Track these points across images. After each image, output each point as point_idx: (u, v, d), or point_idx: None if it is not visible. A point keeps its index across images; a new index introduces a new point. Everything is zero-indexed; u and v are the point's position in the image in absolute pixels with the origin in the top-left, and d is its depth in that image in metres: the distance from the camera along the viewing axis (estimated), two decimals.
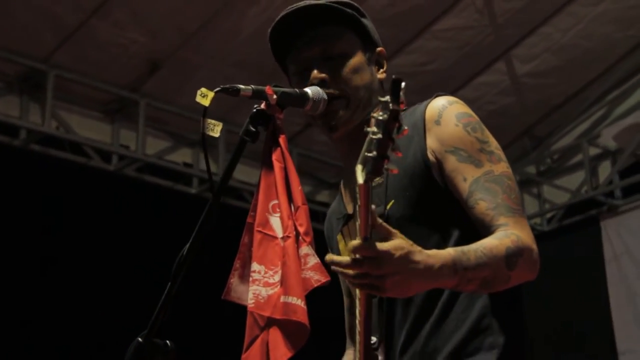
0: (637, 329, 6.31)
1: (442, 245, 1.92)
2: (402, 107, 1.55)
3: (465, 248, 1.79)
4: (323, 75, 2.08)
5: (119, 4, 5.53)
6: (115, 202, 6.06)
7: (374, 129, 1.56)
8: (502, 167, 1.97)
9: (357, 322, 1.76)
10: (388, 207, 1.99)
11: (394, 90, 1.55)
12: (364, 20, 2.17)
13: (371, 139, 1.57)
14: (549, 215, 7.05)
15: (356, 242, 1.63)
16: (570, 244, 6.78)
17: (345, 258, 1.67)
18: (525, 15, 6.03)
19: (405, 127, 1.58)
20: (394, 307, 1.98)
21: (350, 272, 1.66)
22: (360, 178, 1.58)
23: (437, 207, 1.98)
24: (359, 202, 1.61)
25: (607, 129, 6.57)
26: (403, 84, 1.56)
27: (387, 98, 1.56)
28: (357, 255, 1.64)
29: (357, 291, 1.76)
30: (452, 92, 7.07)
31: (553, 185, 7.06)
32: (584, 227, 6.80)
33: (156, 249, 5.96)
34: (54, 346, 5.62)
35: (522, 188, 7.11)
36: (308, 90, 2.05)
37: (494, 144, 2.00)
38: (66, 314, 5.67)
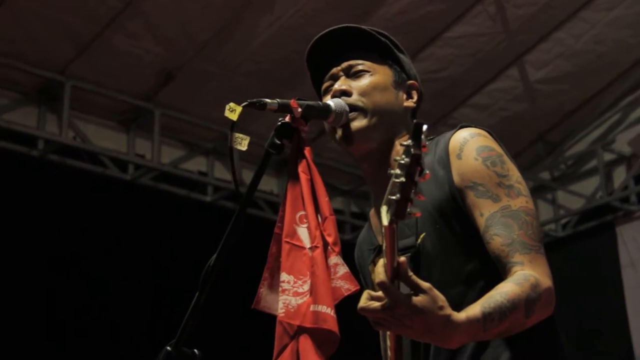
0: None
1: (476, 277, 1.94)
2: (425, 150, 1.57)
3: (493, 305, 1.75)
4: (344, 87, 2.13)
5: (132, 15, 5.58)
6: (131, 210, 6.09)
7: (397, 171, 1.58)
8: (521, 201, 1.95)
9: (388, 351, 1.76)
10: (419, 239, 2.00)
11: (416, 135, 1.57)
12: (399, 54, 2.22)
13: (394, 182, 1.59)
14: (563, 221, 7.05)
15: (383, 278, 1.64)
16: (585, 249, 6.78)
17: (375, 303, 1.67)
18: (538, 21, 6.04)
19: (427, 172, 1.59)
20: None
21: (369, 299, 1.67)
22: (385, 220, 1.61)
23: (467, 239, 1.97)
24: (384, 243, 1.64)
25: (622, 134, 6.57)
26: (425, 127, 1.58)
27: (409, 142, 1.58)
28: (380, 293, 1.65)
29: None
30: (465, 99, 7.08)
31: (568, 191, 7.06)
32: (600, 233, 6.79)
33: (173, 257, 6.02)
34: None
35: (537, 194, 7.11)
36: (331, 102, 2.10)
37: (514, 177, 1.98)
38: (84, 322, 5.69)
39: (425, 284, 1.67)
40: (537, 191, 7.12)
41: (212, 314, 2.39)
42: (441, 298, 1.68)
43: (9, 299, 5.46)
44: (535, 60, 6.32)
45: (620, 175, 6.80)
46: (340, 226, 6.75)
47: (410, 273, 1.66)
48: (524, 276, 1.84)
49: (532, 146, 6.96)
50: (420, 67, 6.35)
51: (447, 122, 6.59)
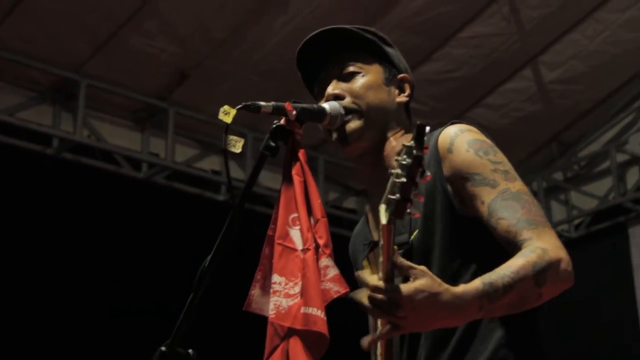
0: None
1: (462, 273, 1.96)
2: (426, 151, 1.59)
3: (494, 276, 1.77)
4: (337, 91, 2.15)
5: (148, 14, 5.63)
6: (144, 209, 6.13)
7: (399, 171, 1.59)
8: (518, 184, 1.97)
9: (377, 350, 1.78)
10: (412, 236, 2.02)
11: (418, 136, 1.58)
12: (387, 48, 2.23)
13: (394, 181, 1.60)
14: (576, 221, 7.03)
15: (376, 282, 1.66)
16: (597, 250, 6.76)
17: (374, 280, 1.69)
18: (552, 22, 6.03)
19: (429, 174, 1.61)
20: (415, 336, 2.00)
21: (371, 305, 1.68)
22: (383, 218, 1.62)
23: (457, 235, 1.99)
24: (381, 241, 1.65)
25: (635, 135, 6.55)
26: (428, 128, 1.59)
27: (412, 143, 1.58)
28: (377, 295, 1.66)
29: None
30: (479, 99, 7.06)
31: (580, 192, 7.04)
32: (612, 234, 6.77)
33: (185, 256, 6.04)
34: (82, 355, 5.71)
35: (550, 194, 7.10)
36: (326, 105, 2.12)
37: (507, 164, 2.00)
38: (91, 319, 5.74)
39: (421, 267, 1.70)
40: (550, 192, 7.11)
41: (207, 315, 2.42)
42: (437, 278, 1.71)
43: (23, 297, 5.53)
44: (550, 61, 6.31)
45: (633, 176, 6.77)
46: (353, 225, 6.75)
47: (405, 261, 1.69)
48: (530, 249, 1.84)
49: (546, 147, 6.95)
50: (435, 67, 6.36)
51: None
